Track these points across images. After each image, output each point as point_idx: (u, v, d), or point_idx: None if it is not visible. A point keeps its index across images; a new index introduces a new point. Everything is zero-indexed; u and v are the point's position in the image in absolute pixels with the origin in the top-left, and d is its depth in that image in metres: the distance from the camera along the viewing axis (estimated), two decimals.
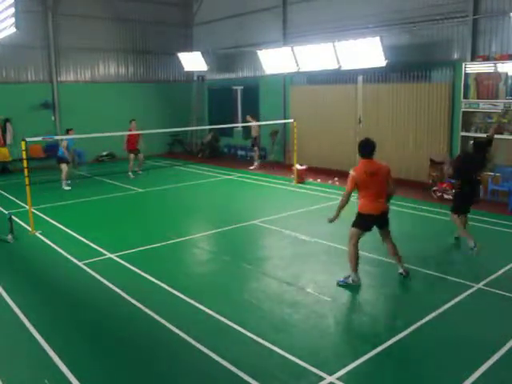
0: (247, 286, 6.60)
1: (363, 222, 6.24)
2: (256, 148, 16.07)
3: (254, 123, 15.56)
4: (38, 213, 10.12)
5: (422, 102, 12.55)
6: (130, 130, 13.92)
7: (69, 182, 13.18)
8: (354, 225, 6.34)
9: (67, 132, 13.17)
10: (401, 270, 6.52)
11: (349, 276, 6.35)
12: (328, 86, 14.84)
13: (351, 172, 6.21)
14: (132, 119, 14.50)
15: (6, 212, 9.43)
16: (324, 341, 5.00)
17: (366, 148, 6.25)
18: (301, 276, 6.73)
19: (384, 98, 13.39)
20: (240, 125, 15.79)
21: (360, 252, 6.48)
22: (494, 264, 6.94)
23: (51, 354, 4.77)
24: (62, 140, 13.17)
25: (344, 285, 6.32)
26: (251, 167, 15.85)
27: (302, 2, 15.33)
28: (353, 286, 6.35)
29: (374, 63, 12.61)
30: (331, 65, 13.55)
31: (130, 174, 14.50)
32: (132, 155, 14.58)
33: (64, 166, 12.92)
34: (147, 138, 14.85)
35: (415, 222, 9.53)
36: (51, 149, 17.22)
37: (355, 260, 6.31)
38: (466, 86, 11.22)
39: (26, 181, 8.88)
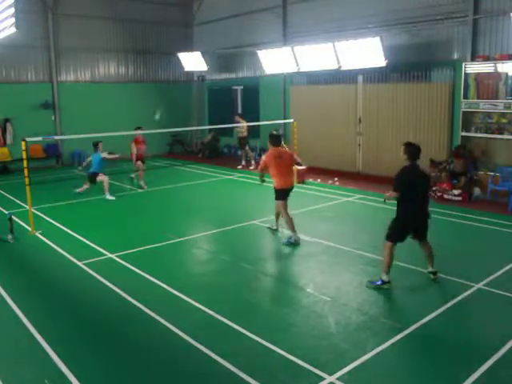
0: (247, 285, 6.59)
1: (282, 194, 8.18)
2: (248, 148, 16.10)
3: (243, 124, 15.57)
4: (37, 213, 10.12)
5: (422, 102, 12.55)
6: (137, 140, 12.92)
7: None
8: (278, 198, 8.22)
9: (96, 145, 12.00)
10: (275, 227, 8.70)
11: (291, 236, 8.01)
12: (328, 86, 14.84)
13: (263, 157, 8.43)
14: (138, 127, 13.11)
15: (6, 212, 9.42)
16: (324, 341, 5.00)
17: (276, 139, 8.29)
18: (301, 276, 6.73)
19: (384, 98, 13.39)
20: (240, 125, 15.81)
21: (360, 252, 6.56)
22: (494, 264, 6.93)
23: (51, 353, 4.77)
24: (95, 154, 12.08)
25: (288, 244, 7.96)
26: (251, 167, 15.87)
27: (302, 1, 15.33)
28: (353, 287, 6.35)
29: (374, 63, 12.60)
30: (331, 65, 13.54)
31: (142, 183, 13.02)
32: (139, 162, 13.05)
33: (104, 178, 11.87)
34: (147, 138, 14.79)
35: None
36: (51, 149, 17.29)
37: (291, 223, 8.06)
38: (466, 86, 11.22)
39: (26, 181, 8.87)
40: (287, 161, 8.23)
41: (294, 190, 8.51)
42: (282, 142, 9.42)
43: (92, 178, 11.95)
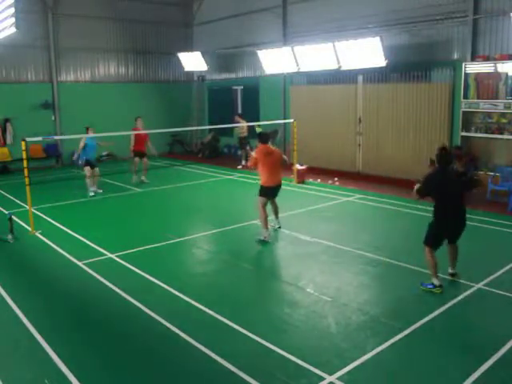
0: (247, 285, 6.60)
1: (265, 192, 8.34)
2: (249, 148, 16.14)
3: (243, 124, 15.59)
4: (37, 213, 10.12)
5: (422, 102, 12.55)
6: (137, 129, 12.91)
7: (93, 189, 12.13)
8: (260, 194, 8.36)
9: (86, 131, 11.92)
10: (278, 225, 8.82)
11: (262, 233, 8.18)
12: (328, 86, 14.84)
13: (252, 154, 8.52)
14: (138, 116, 13.36)
15: (6, 212, 9.42)
16: (324, 341, 5.00)
17: (265, 137, 8.51)
18: (301, 276, 6.73)
19: (384, 98, 13.39)
20: (239, 125, 15.80)
21: (360, 252, 6.55)
22: (494, 264, 6.93)
23: (51, 353, 4.77)
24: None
25: (260, 241, 8.13)
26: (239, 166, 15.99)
27: (302, 1, 15.33)
28: (353, 287, 6.36)
29: (374, 63, 12.60)
30: (331, 65, 13.54)
31: (134, 177, 13.44)
32: (137, 158, 13.29)
33: (87, 169, 11.95)
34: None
35: (415, 222, 9.51)
36: (51, 149, 17.29)
37: (265, 219, 8.25)
38: (466, 86, 11.22)
39: (26, 181, 8.88)
40: (276, 158, 8.40)
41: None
42: (270, 141, 9.56)
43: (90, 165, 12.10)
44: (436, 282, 6.03)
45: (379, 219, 9.83)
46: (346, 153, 14.56)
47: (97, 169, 12.31)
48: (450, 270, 6.40)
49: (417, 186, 6.12)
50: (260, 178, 8.43)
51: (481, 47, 11.39)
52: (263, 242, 8.15)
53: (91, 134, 11.65)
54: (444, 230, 6.10)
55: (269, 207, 8.59)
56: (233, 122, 15.78)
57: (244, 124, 15.62)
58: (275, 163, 8.36)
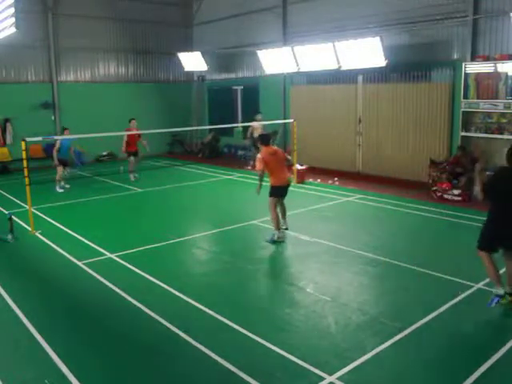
0: (247, 285, 6.60)
1: (276, 192, 8.25)
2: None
3: (257, 123, 15.56)
4: (37, 213, 10.11)
5: (422, 102, 12.54)
6: (130, 130, 13.46)
7: (62, 184, 12.82)
8: (271, 195, 8.24)
9: (63, 131, 12.95)
10: (285, 226, 8.45)
11: (274, 234, 8.14)
12: (328, 86, 14.83)
13: (258, 155, 8.26)
14: (132, 118, 13.93)
15: (6, 212, 9.42)
16: (324, 341, 5.00)
17: (266, 139, 8.49)
18: (301, 276, 6.73)
19: (384, 98, 13.38)
20: (240, 125, 15.77)
21: (360, 252, 6.56)
22: None
23: (51, 353, 4.77)
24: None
25: (271, 242, 8.06)
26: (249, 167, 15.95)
27: (302, 1, 15.32)
28: (353, 287, 6.36)
29: (374, 63, 12.60)
30: (331, 65, 13.54)
31: (131, 176, 13.98)
32: (132, 158, 13.95)
33: (60, 169, 12.62)
34: (147, 138, 14.80)
35: (415, 222, 9.53)
36: (51, 149, 17.24)
37: (277, 221, 8.19)
38: (466, 86, 11.23)
39: (26, 181, 8.88)
40: (280, 157, 8.39)
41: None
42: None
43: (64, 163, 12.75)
44: (500, 291, 5.41)
45: (379, 219, 9.82)
46: (346, 153, 14.56)
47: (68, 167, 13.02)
48: (508, 289, 5.52)
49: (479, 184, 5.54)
50: (269, 180, 8.30)
51: (481, 47, 11.38)
52: (267, 242, 8.10)
53: (67, 136, 12.40)
54: (500, 229, 5.41)
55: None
56: (233, 121, 15.74)
57: (257, 123, 15.42)
58: (280, 162, 8.33)
